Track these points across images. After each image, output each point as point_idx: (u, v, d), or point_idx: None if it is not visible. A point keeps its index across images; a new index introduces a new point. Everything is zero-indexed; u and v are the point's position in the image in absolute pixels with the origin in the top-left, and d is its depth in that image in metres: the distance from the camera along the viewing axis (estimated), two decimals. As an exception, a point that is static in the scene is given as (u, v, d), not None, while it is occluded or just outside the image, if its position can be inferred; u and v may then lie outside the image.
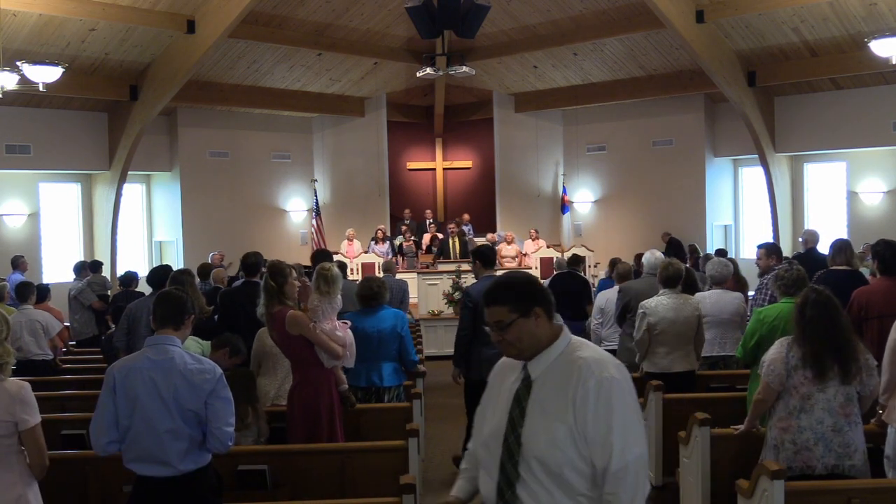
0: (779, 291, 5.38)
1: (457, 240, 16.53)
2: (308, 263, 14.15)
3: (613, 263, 9.66)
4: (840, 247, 6.57)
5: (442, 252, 16.38)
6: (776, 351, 4.34)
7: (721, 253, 11.94)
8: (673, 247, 16.13)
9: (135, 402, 3.55)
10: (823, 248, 9.14)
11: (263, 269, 6.88)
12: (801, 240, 10.02)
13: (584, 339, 2.77)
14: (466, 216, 18.36)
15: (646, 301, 6.40)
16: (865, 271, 7.28)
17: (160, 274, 7.15)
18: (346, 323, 5.38)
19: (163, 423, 3.55)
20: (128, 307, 6.97)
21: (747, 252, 16.90)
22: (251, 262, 6.83)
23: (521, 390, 2.66)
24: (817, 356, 4.18)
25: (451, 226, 17.09)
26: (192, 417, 3.59)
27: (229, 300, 6.64)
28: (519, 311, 2.67)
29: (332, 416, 5.11)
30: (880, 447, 4.52)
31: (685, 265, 8.01)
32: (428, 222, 18.31)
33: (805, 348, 4.22)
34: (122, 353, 6.51)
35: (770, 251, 7.20)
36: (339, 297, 5.29)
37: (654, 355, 6.35)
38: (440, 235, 17.57)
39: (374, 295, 6.07)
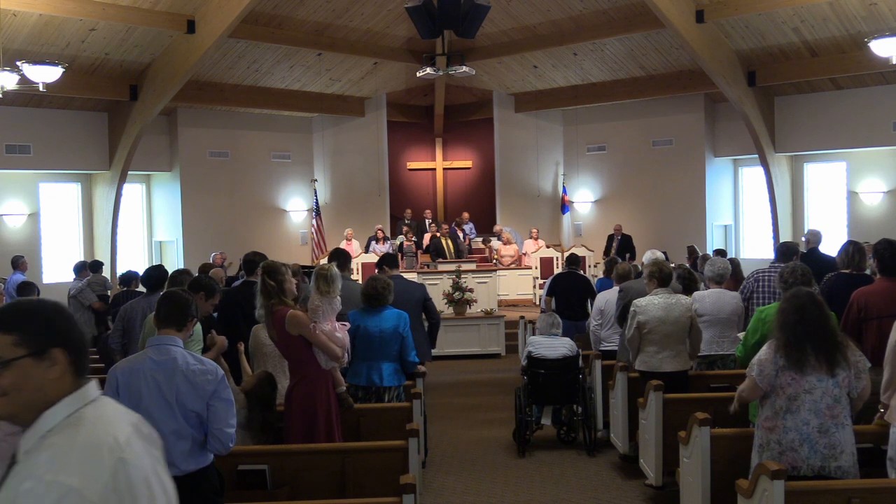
0: (783, 292, 5.39)
1: (448, 240, 16.54)
2: (306, 263, 14.16)
3: (611, 263, 9.70)
4: (858, 250, 6.51)
5: (437, 252, 16.42)
6: (765, 351, 4.36)
7: (720, 253, 11.94)
8: (623, 242, 16.13)
9: (138, 404, 3.55)
10: (825, 248, 9.15)
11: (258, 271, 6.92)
12: (803, 239, 10.02)
13: (100, 414, 1.88)
14: (466, 215, 18.38)
15: (637, 300, 6.46)
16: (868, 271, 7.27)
17: (155, 274, 7.15)
18: (345, 324, 5.38)
19: (167, 424, 3.56)
20: (122, 309, 6.92)
21: (747, 252, 16.91)
22: (250, 261, 6.85)
23: (6, 471, 1.82)
24: (791, 346, 4.20)
25: (444, 226, 17.11)
26: (194, 418, 3.61)
27: (227, 300, 6.64)
28: (29, 347, 1.82)
29: (329, 416, 5.12)
30: (881, 447, 4.51)
31: (685, 265, 8.04)
32: (427, 222, 18.33)
33: (779, 340, 4.25)
34: (118, 356, 6.50)
35: (780, 250, 7.33)
36: (339, 297, 5.29)
37: (645, 354, 6.42)
38: (438, 235, 17.62)
39: (377, 295, 6.08)
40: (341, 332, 5.24)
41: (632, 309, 6.43)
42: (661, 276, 6.43)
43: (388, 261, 7.68)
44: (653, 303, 6.34)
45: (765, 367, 4.29)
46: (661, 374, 6.25)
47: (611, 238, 16.57)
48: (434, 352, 12.64)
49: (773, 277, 6.66)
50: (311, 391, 5.08)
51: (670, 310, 6.29)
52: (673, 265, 10.17)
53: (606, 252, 16.28)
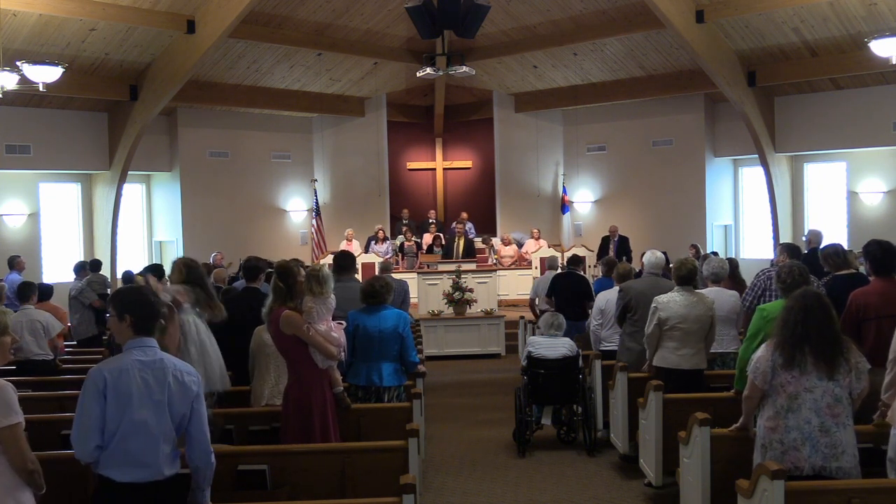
0: (780, 292, 5.38)
1: (461, 240, 16.56)
2: (306, 263, 14.15)
3: (609, 263, 9.69)
4: (843, 250, 6.52)
5: (445, 251, 16.44)
6: (763, 349, 4.37)
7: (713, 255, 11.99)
8: (621, 243, 16.13)
9: (128, 404, 3.45)
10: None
11: (263, 275, 6.90)
12: (804, 239, 10.02)
13: None
14: (465, 215, 18.32)
15: (660, 296, 6.47)
16: (864, 270, 7.28)
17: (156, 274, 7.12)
18: (340, 324, 5.39)
19: (156, 426, 3.48)
20: None
21: (747, 252, 16.91)
22: (251, 266, 6.83)
23: None
24: (788, 344, 4.20)
25: (458, 226, 17.08)
26: (178, 420, 3.55)
27: (232, 307, 6.58)
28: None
29: (324, 415, 5.13)
30: (881, 447, 4.51)
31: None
32: (430, 222, 18.31)
33: (778, 337, 4.26)
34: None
35: (783, 249, 7.37)
36: (333, 297, 5.30)
37: (664, 350, 6.40)
38: (441, 235, 17.60)
39: (375, 293, 6.08)
40: (337, 331, 5.26)
41: (653, 305, 6.43)
42: (678, 275, 6.43)
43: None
44: (674, 300, 6.35)
45: (760, 363, 4.30)
46: (678, 372, 6.26)
47: (606, 239, 16.52)
48: (434, 352, 12.79)
49: None
50: (307, 390, 5.10)
51: (692, 308, 6.30)
52: (672, 265, 10.20)
53: (600, 255, 16.23)
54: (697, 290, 6.59)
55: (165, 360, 3.58)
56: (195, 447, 3.60)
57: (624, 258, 14.83)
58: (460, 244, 16.53)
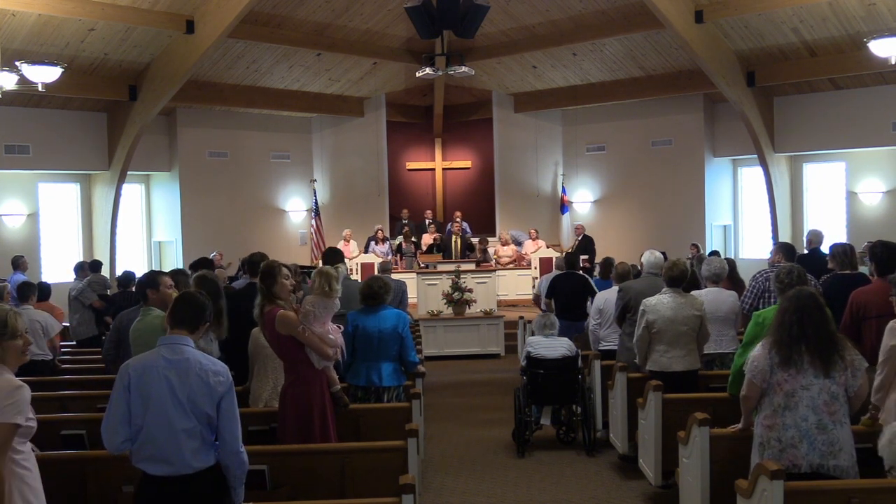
0: (778, 293, 5.38)
1: (458, 239, 16.56)
2: (305, 263, 14.09)
3: (607, 264, 9.68)
4: (852, 250, 6.55)
5: (444, 251, 16.41)
6: (759, 348, 4.38)
7: (714, 254, 11.98)
8: (583, 242, 16.12)
9: (149, 401, 3.54)
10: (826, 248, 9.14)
11: None
12: (805, 240, 10.03)
13: None
14: (459, 214, 18.17)
15: (647, 299, 6.44)
16: (865, 270, 7.29)
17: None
18: (339, 327, 5.38)
19: (178, 422, 3.54)
20: (116, 318, 6.86)
21: (746, 252, 16.92)
22: (255, 262, 6.83)
23: None
24: (784, 344, 4.22)
25: (455, 225, 17.07)
26: (205, 418, 3.60)
27: (232, 302, 6.59)
28: None
29: (324, 416, 5.13)
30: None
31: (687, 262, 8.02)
32: (427, 222, 18.30)
33: (774, 337, 4.28)
34: (111, 365, 6.49)
35: (779, 249, 7.36)
36: (338, 300, 5.30)
37: (654, 353, 6.38)
38: (439, 235, 17.59)
39: (373, 294, 6.08)
40: (335, 334, 5.24)
41: (641, 308, 6.39)
42: (669, 276, 6.39)
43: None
44: (662, 302, 6.31)
45: (758, 362, 4.31)
46: (671, 374, 6.25)
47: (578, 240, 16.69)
48: (433, 352, 12.79)
49: None
50: (306, 391, 5.09)
51: (679, 310, 6.27)
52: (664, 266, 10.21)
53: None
54: (690, 292, 6.56)
55: (191, 360, 3.62)
56: (222, 447, 3.67)
57: (584, 257, 14.85)
58: (458, 243, 16.54)
